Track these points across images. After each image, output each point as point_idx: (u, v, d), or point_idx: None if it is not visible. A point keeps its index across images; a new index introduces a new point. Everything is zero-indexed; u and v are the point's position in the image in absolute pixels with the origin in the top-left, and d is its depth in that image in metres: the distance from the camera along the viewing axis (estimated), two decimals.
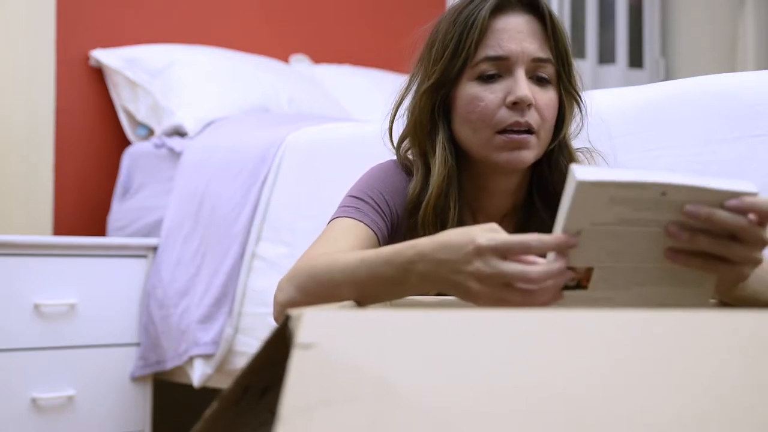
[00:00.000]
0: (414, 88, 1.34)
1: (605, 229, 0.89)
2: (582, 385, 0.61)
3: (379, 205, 1.28)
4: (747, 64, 3.54)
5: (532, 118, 1.25)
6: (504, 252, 0.91)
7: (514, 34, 1.26)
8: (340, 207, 1.29)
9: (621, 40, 3.88)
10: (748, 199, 0.91)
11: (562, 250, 0.90)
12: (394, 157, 1.38)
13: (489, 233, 0.93)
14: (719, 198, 0.88)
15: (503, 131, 1.25)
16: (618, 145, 1.61)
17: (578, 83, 1.32)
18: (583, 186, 0.85)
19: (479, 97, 1.26)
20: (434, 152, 1.30)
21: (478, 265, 0.91)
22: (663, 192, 0.86)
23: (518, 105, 1.24)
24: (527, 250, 0.90)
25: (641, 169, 0.92)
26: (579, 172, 0.85)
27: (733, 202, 0.90)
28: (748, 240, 0.92)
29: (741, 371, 0.62)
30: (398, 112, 1.38)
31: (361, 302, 1.05)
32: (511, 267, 0.91)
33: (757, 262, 0.95)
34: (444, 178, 1.28)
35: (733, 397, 0.60)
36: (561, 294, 0.92)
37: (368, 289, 1.03)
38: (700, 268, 0.94)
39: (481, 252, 0.92)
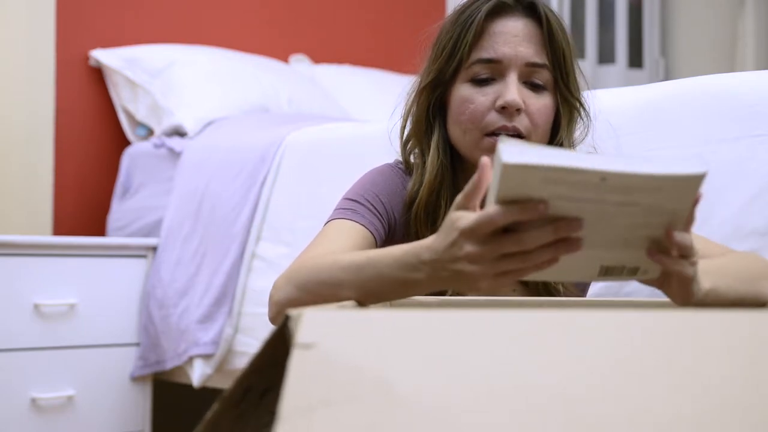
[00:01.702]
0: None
1: (536, 205, 0.86)
2: (582, 385, 0.61)
3: (375, 207, 1.28)
4: (747, 64, 3.54)
5: (521, 123, 1.25)
6: (483, 231, 0.89)
7: (510, 38, 1.26)
8: (335, 209, 1.29)
9: (621, 40, 3.88)
10: (677, 240, 0.91)
11: (529, 218, 0.87)
12: (391, 161, 1.38)
13: (467, 214, 0.91)
14: (662, 183, 0.85)
15: (491, 134, 1.25)
16: (619, 145, 1.61)
17: (582, 89, 1.32)
18: (508, 168, 0.82)
19: (470, 99, 1.27)
20: (429, 151, 1.30)
21: (468, 248, 0.90)
22: (603, 178, 0.83)
23: (507, 109, 1.24)
24: (500, 223, 0.88)
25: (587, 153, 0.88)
26: (506, 153, 0.81)
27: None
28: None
29: (741, 371, 0.62)
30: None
31: (363, 302, 1.05)
32: (501, 238, 0.89)
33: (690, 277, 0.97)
34: (435, 176, 1.29)
35: (733, 397, 0.60)
36: (556, 257, 0.90)
37: (374, 288, 1.03)
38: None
39: (466, 234, 0.91)
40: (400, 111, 1.38)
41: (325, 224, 1.27)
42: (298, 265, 1.14)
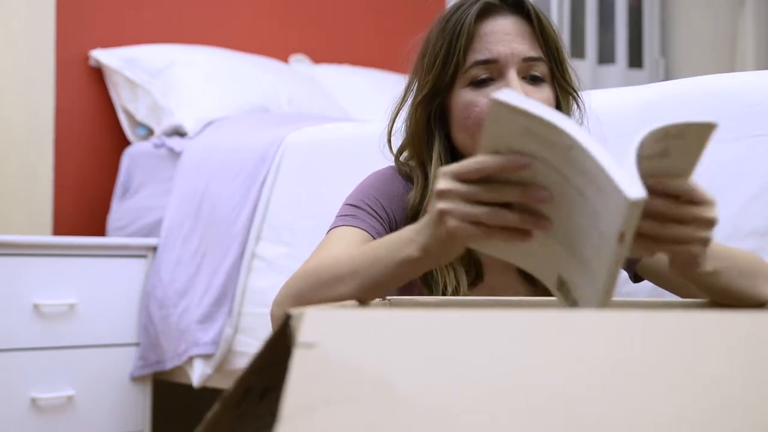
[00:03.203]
0: (410, 98, 1.34)
1: (522, 157, 0.87)
2: (582, 385, 0.61)
3: (375, 211, 1.28)
4: (747, 64, 3.54)
5: None
6: (461, 173, 0.90)
7: (502, 37, 1.26)
8: (337, 216, 1.29)
9: (621, 40, 3.88)
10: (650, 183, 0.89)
11: (513, 168, 0.88)
12: (392, 164, 1.38)
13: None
14: (604, 183, 0.82)
15: None
16: (617, 146, 1.61)
17: (573, 79, 1.32)
18: (497, 105, 0.84)
19: (473, 102, 1.26)
20: (431, 161, 1.30)
21: (440, 185, 0.91)
22: (570, 146, 0.83)
23: None
24: (484, 168, 0.89)
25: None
26: (502, 93, 0.84)
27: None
28: (687, 220, 0.92)
29: (741, 371, 0.62)
30: (395, 124, 1.38)
31: (361, 297, 1.05)
32: (472, 183, 0.89)
33: (704, 241, 0.94)
34: None
35: (733, 397, 0.60)
36: (526, 232, 0.90)
37: (372, 276, 1.03)
38: (648, 251, 0.94)
39: (443, 174, 0.91)
40: (388, 126, 1.38)
41: (327, 232, 1.27)
42: (297, 275, 1.14)
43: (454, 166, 0.90)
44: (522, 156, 0.86)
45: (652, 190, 0.88)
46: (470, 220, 0.90)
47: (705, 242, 0.94)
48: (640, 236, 0.90)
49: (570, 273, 0.90)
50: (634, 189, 0.79)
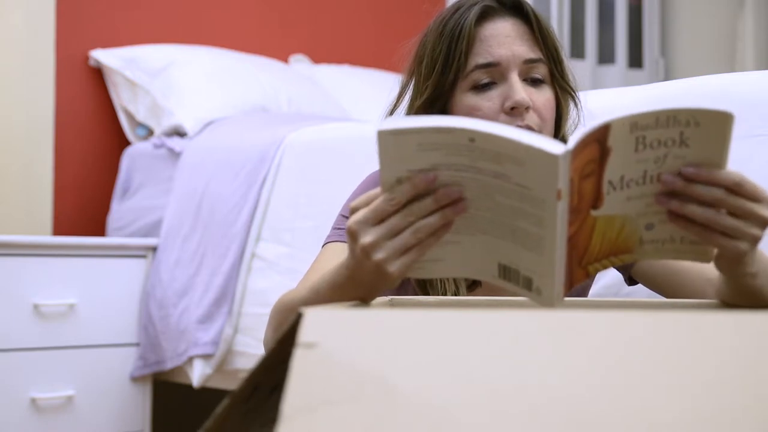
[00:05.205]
0: (405, 104, 1.33)
1: (426, 174, 0.88)
2: (582, 385, 0.61)
3: None
4: (747, 64, 3.55)
5: (531, 120, 1.24)
6: (376, 217, 0.90)
7: (503, 39, 1.26)
8: (332, 228, 1.29)
9: (620, 40, 3.89)
10: (706, 172, 0.89)
11: (421, 188, 0.88)
12: None
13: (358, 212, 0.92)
14: (525, 154, 0.83)
15: None
16: None
17: (571, 79, 1.32)
18: (383, 135, 0.85)
19: (476, 106, 1.25)
20: None
21: (364, 239, 0.91)
22: (471, 138, 0.84)
23: (517, 109, 1.23)
24: (396, 203, 0.89)
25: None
26: (382, 123, 0.85)
27: (688, 171, 0.88)
28: (739, 213, 0.90)
29: (741, 371, 0.62)
30: None
31: None
32: (389, 218, 0.90)
33: (755, 237, 0.91)
34: None
35: (734, 397, 0.60)
36: (448, 222, 0.90)
37: (329, 298, 1.02)
38: (698, 236, 0.91)
39: (355, 227, 0.91)
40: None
41: (323, 246, 1.27)
42: (280, 304, 1.15)
43: (366, 214, 0.90)
44: (425, 174, 0.88)
45: (693, 178, 0.89)
46: (401, 252, 0.90)
47: (756, 240, 0.92)
48: (691, 223, 0.90)
49: (511, 255, 0.91)
50: (555, 147, 0.82)
